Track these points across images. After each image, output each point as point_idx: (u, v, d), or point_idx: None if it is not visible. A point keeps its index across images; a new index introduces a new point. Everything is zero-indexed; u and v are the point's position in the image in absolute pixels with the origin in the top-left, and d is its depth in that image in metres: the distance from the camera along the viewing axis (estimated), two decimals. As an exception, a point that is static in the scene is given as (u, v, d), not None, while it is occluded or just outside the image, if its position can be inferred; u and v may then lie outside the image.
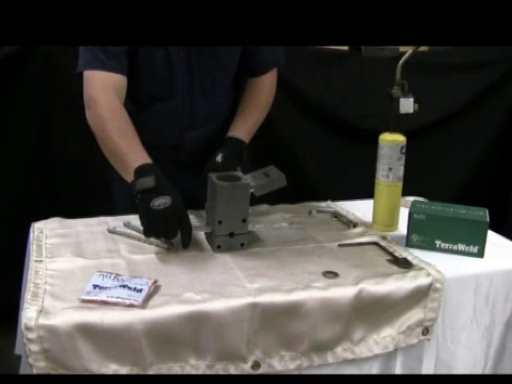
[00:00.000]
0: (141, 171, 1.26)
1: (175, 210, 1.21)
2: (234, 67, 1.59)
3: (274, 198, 1.53)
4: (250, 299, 1.08)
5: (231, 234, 1.28)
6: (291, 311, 1.10)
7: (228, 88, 1.63)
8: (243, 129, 1.57)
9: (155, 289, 1.10)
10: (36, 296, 1.06)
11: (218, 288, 1.12)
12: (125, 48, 1.42)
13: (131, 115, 1.40)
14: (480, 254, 1.31)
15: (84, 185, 2.32)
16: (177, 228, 1.23)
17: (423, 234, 1.34)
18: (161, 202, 1.20)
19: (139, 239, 1.33)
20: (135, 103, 1.55)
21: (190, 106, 1.55)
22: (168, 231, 1.22)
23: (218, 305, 1.06)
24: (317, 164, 2.60)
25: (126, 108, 1.41)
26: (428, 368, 1.23)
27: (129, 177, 1.28)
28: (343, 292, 1.13)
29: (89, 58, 1.40)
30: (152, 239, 1.28)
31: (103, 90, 1.38)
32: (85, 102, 1.40)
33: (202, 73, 1.52)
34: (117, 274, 1.13)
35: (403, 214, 1.42)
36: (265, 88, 1.65)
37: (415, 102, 1.38)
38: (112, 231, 1.38)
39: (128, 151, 1.31)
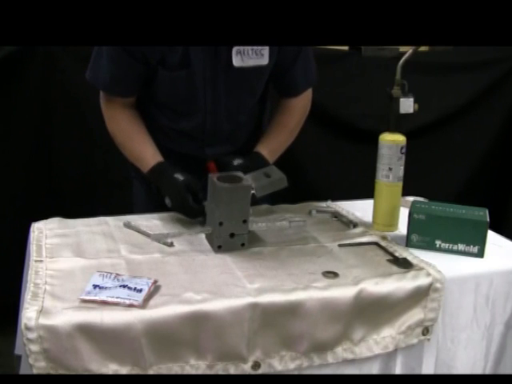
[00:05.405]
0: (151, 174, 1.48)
1: (176, 205, 1.42)
2: (261, 89, 1.58)
3: (275, 198, 1.53)
4: (249, 299, 1.08)
5: (232, 235, 1.28)
6: (291, 311, 1.10)
7: (253, 107, 1.61)
8: (267, 148, 1.56)
9: (155, 289, 1.10)
10: (36, 296, 1.06)
11: (218, 288, 1.12)
12: (140, 72, 1.46)
13: (154, 120, 1.55)
14: (480, 254, 1.31)
15: (84, 185, 2.32)
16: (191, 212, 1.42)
17: (423, 233, 1.34)
18: (167, 202, 1.44)
19: (148, 235, 1.35)
20: (159, 111, 1.56)
21: (212, 124, 1.54)
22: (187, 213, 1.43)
23: (217, 305, 1.06)
24: (317, 164, 2.59)
25: (150, 112, 1.55)
26: (428, 368, 1.23)
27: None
28: (343, 292, 1.13)
29: (105, 80, 1.47)
30: (156, 237, 1.32)
31: (120, 108, 1.53)
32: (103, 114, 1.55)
33: (229, 94, 1.50)
34: (117, 274, 1.13)
35: (403, 214, 1.42)
36: (295, 112, 1.63)
37: (415, 102, 1.38)
38: (128, 226, 1.40)
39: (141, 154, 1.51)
